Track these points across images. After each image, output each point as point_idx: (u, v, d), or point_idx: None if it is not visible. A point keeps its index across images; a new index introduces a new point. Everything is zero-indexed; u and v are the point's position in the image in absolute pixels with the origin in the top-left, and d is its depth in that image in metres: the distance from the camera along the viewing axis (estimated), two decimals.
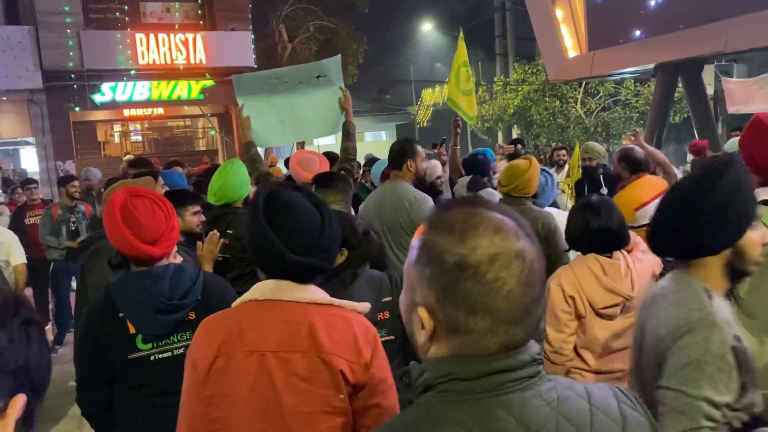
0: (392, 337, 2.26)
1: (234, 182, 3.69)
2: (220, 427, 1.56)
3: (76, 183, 6.76)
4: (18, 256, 4.96)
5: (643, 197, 4.06)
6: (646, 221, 4.13)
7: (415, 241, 0.97)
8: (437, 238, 0.92)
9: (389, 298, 2.34)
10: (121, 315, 2.07)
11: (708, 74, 16.23)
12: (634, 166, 4.27)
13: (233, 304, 1.69)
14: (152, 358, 2.08)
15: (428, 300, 0.93)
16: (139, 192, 2.17)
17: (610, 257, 2.64)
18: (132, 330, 2.07)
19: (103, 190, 6.86)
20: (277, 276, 1.63)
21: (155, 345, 2.08)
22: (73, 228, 6.55)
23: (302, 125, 4.32)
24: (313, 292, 1.63)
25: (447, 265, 0.90)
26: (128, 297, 2.09)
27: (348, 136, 4.16)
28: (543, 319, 2.58)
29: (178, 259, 2.29)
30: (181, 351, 2.08)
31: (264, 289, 1.62)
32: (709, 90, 16.41)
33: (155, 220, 2.11)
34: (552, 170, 7.12)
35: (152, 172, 4.44)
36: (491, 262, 0.88)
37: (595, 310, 2.60)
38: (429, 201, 3.66)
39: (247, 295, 1.64)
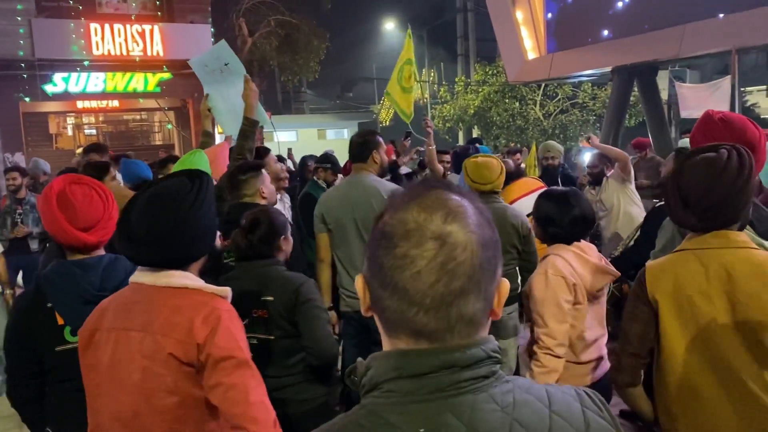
0: (271, 337, 2.27)
1: None
2: (97, 392, 1.73)
3: (14, 174, 6.51)
4: None
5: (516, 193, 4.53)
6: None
7: None
8: (387, 208, 0.91)
9: (271, 298, 2.40)
10: (49, 305, 2.02)
11: (662, 79, 16.65)
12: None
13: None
14: None
15: (364, 267, 0.91)
16: (79, 179, 2.11)
17: (586, 242, 2.74)
18: (60, 321, 2.02)
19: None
20: (129, 260, 1.78)
21: None
22: (18, 220, 6.33)
23: (228, 118, 4.19)
24: (172, 277, 1.71)
25: (375, 233, 0.89)
26: (56, 287, 2.03)
27: (241, 134, 3.66)
28: (535, 312, 2.56)
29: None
30: None
31: (137, 273, 1.77)
32: (664, 95, 16.84)
33: (92, 206, 2.05)
34: None
35: (105, 163, 4.32)
36: (405, 236, 0.84)
37: (592, 293, 2.65)
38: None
39: (131, 277, 1.79)
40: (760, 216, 2.30)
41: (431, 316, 0.83)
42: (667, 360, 1.89)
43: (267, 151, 4.63)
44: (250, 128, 3.63)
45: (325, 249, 3.65)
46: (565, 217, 2.65)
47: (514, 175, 4.71)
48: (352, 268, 3.53)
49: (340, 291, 3.66)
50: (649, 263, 1.99)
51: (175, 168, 3.66)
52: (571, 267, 2.60)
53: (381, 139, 3.75)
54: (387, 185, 3.62)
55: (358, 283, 0.92)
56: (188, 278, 1.73)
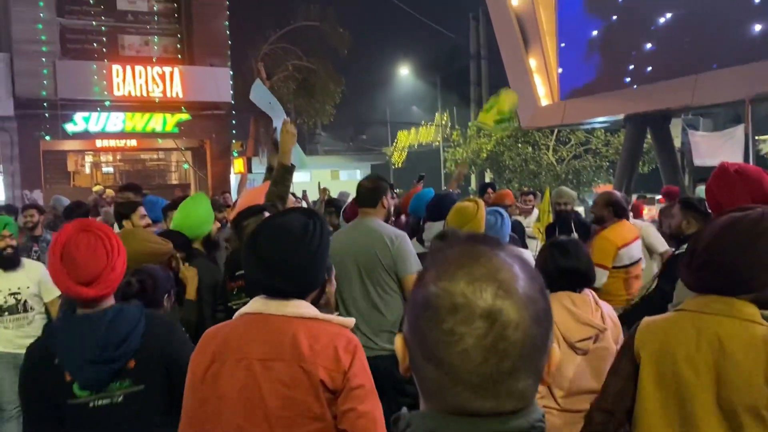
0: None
1: (194, 219, 3.61)
2: (212, 426, 1.71)
3: (31, 212, 6.58)
4: (53, 290, 4.41)
5: (627, 238, 4.25)
6: (625, 262, 4.28)
7: None
8: (429, 267, 0.85)
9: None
10: (57, 361, 1.99)
11: (675, 127, 16.71)
12: (618, 210, 4.48)
13: (234, 316, 1.81)
14: (91, 405, 1.99)
15: (405, 328, 0.87)
16: (88, 226, 2.06)
17: (579, 293, 2.71)
18: (68, 377, 1.98)
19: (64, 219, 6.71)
20: (264, 293, 1.78)
21: (93, 392, 2.00)
22: (35, 257, 6.38)
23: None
24: (300, 307, 1.75)
25: (418, 298, 0.83)
26: (63, 343, 1.99)
27: (273, 179, 3.53)
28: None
29: None
30: (120, 399, 2.00)
31: (256, 303, 1.78)
32: (677, 142, 16.87)
33: (94, 259, 1.98)
34: (518, 216, 7.19)
35: (136, 202, 4.38)
36: (452, 311, 0.78)
37: (570, 343, 2.62)
38: (407, 238, 3.60)
39: (243, 309, 1.80)
40: None
41: (477, 394, 0.79)
42: (636, 423, 1.79)
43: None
44: (282, 174, 3.50)
45: (329, 294, 3.62)
46: (556, 266, 2.66)
47: (621, 211, 4.56)
48: (354, 311, 3.49)
49: None
50: (646, 318, 1.89)
51: (179, 211, 3.65)
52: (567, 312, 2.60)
53: (387, 185, 3.78)
54: (390, 230, 3.62)
55: (398, 343, 0.88)
56: (312, 308, 1.79)
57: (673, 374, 1.71)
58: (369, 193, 3.66)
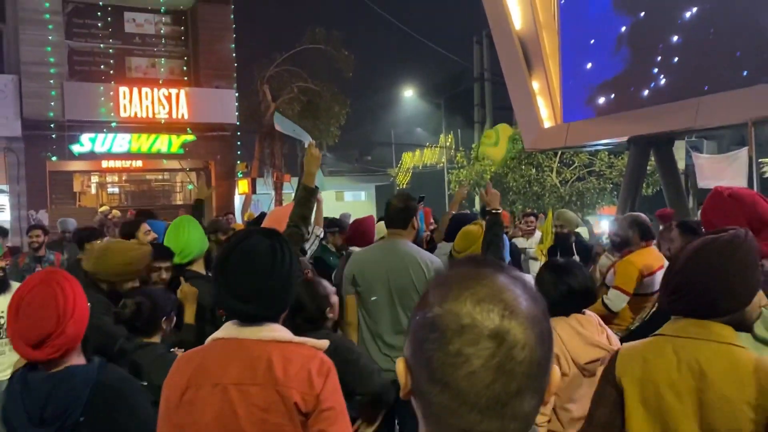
0: None
1: (196, 238, 3.63)
2: None
3: (37, 232, 6.64)
4: None
5: (653, 266, 4.10)
6: (647, 291, 4.11)
7: None
8: (432, 289, 0.85)
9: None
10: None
11: (679, 149, 16.73)
12: (644, 232, 4.33)
13: (207, 341, 1.81)
14: None
15: (408, 351, 0.85)
16: (49, 280, 1.93)
17: (584, 315, 2.70)
18: None
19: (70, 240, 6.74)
20: (236, 318, 1.78)
21: None
22: None
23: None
24: (274, 331, 1.77)
25: (424, 320, 0.82)
26: (7, 404, 1.93)
27: (297, 201, 3.52)
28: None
29: None
30: None
31: (230, 328, 1.78)
32: (681, 164, 16.87)
33: (42, 319, 1.86)
34: (521, 237, 7.19)
35: (137, 219, 4.41)
36: (458, 332, 0.78)
37: (579, 365, 2.59)
38: (440, 262, 3.50)
39: (216, 333, 1.80)
40: None
41: (483, 416, 0.78)
42: None
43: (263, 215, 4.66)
44: (305, 196, 3.45)
45: (352, 312, 3.48)
46: (560, 289, 2.64)
47: (648, 233, 4.40)
48: (377, 336, 3.41)
49: None
50: (624, 345, 1.89)
51: (173, 236, 3.64)
52: (560, 339, 2.57)
53: (417, 205, 3.66)
54: (425, 255, 3.51)
55: (400, 367, 0.86)
56: (287, 331, 1.80)
57: (656, 400, 1.70)
58: (400, 214, 3.51)
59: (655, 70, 13.30)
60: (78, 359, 1.96)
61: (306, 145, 3.90)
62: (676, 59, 12.92)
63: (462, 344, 0.78)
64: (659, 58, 13.01)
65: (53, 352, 1.87)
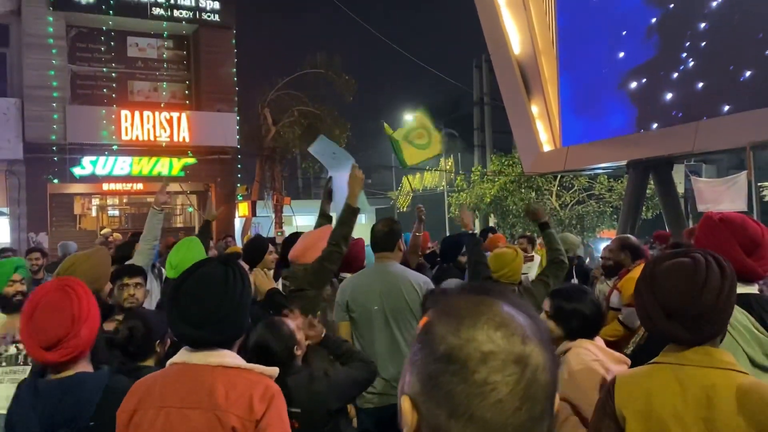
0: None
1: (191, 257, 3.68)
2: None
3: (36, 255, 6.64)
4: None
5: None
6: None
7: (420, 323, 0.87)
8: (437, 321, 0.81)
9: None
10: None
11: (678, 173, 16.79)
12: (635, 252, 4.40)
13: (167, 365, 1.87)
14: None
15: (414, 389, 0.80)
16: (64, 286, 2.00)
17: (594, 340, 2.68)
18: None
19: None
20: (190, 345, 1.82)
21: None
22: None
23: (341, 201, 4.11)
24: (224, 357, 1.79)
25: (436, 354, 0.78)
26: (17, 411, 1.96)
27: (339, 220, 3.63)
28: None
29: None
30: None
31: (183, 354, 1.82)
32: (680, 188, 16.92)
33: (57, 322, 1.92)
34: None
35: (131, 242, 4.44)
36: (483, 360, 0.75)
37: None
38: (431, 283, 3.56)
39: (172, 359, 1.85)
40: None
41: None
42: None
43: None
44: (348, 216, 3.55)
45: (346, 338, 3.46)
46: (590, 310, 2.62)
47: (640, 253, 4.46)
48: (375, 358, 3.34)
49: None
50: (620, 374, 1.82)
51: (173, 252, 3.75)
52: (597, 357, 2.51)
53: (401, 228, 3.73)
54: (417, 276, 3.56)
55: (405, 405, 0.81)
56: (237, 357, 1.83)
57: None
58: (386, 237, 3.61)
59: (657, 93, 13.41)
60: (86, 367, 2.03)
61: (340, 173, 4.02)
62: (677, 82, 13.03)
63: (488, 372, 0.75)
64: (664, 81, 13.11)
65: (66, 354, 1.93)
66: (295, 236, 4.66)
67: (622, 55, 13.90)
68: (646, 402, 1.66)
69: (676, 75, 12.82)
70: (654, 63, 13.10)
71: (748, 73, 11.73)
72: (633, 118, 13.82)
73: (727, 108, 11.97)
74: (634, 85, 13.65)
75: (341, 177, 4.23)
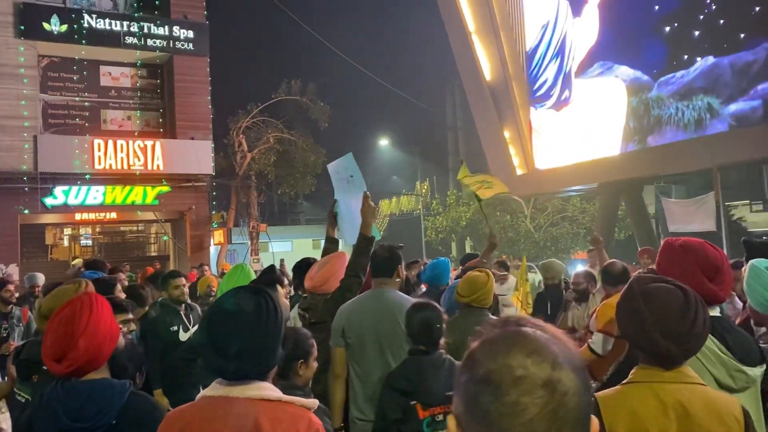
0: None
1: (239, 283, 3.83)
2: None
3: (9, 287, 6.52)
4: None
5: None
6: None
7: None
8: (478, 348, 0.90)
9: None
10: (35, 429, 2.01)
11: (649, 194, 17.12)
12: (616, 279, 4.40)
13: (197, 398, 1.80)
14: None
15: (458, 409, 0.89)
16: (81, 299, 2.10)
17: None
18: None
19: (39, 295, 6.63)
20: (224, 377, 1.77)
21: None
22: (4, 335, 6.26)
23: (348, 227, 4.17)
24: (263, 389, 1.76)
25: (475, 377, 0.87)
26: (39, 411, 2.00)
27: (355, 250, 3.66)
28: None
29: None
30: None
31: (219, 386, 1.78)
32: (651, 209, 17.25)
33: (61, 335, 2.01)
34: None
35: (112, 277, 4.37)
36: (515, 384, 0.83)
37: None
38: None
39: (204, 392, 1.79)
40: (738, 340, 2.31)
41: None
42: None
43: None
44: (364, 245, 3.57)
45: (341, 364, 3.46)
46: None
47: (622, 279, 4.38)
48: (369, 385, 3.36)
49: (352, 415, 3.44)
50: (599, 394, 1.85)
51: (224, 280, 3.86)
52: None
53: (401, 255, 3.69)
54: (412, 301, 3.46)
55: (451, 425, 0.91)
56: (275, 390, 1.80)
57: None
58: (385, 263, 3.54)
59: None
60: (104, 374, 2.09)
61: (350, 198, 4.04)
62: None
63: (519, 394, 0.82)
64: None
65: (71, 366, 1.99)
66: (305, 262, 4.65)
67: None
68: (632, 421, 1.73)
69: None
70: None
71: None
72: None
73: None
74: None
75: (347, 202, 4.22)
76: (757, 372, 2.26)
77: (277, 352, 1.84)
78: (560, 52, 15.27)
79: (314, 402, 1.85)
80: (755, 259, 2.67)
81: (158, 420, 2.03)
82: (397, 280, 3.58)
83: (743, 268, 2.69)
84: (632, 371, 1.83)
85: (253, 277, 4.02)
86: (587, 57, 14.51)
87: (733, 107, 11.74)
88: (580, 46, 14.68)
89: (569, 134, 14.63)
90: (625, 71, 13.66)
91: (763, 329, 2.67)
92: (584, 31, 14.50)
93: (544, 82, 15.73)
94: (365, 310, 3.46)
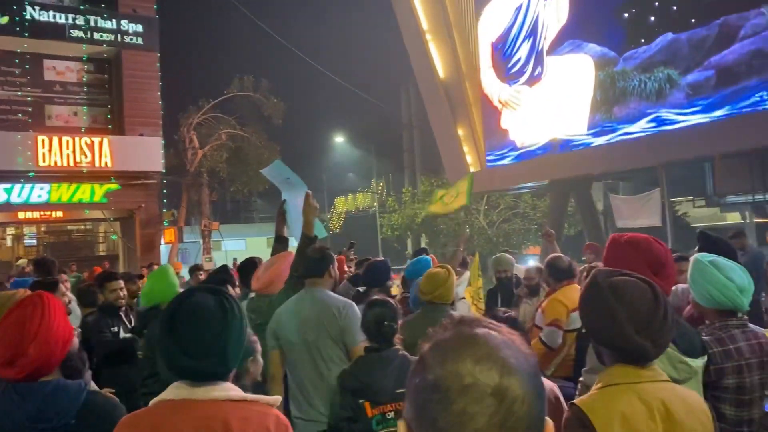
0: None
1: (160, 285, 3.79)
2: None
3: None
4: None
5: (577, 301, 4.23)
6: (576, 326, 4.19)
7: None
8: (430, 351, 0.88)
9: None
10: None
11: (597, 191, 17.55)
12: (562, 274, 4.48)
13: (150, 403, 1.72)
14: None
15: (408, 414, 0.87)
16: (30, 301, 2.00)
17: None
18: None
19: None
20: (186, 378, 1.71)
21: None
22: None
23: (295, 225, 4.15)
24: (229, 390, 1.72)
25: (425, 383, 0.85)
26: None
27: (298, 251, 3.68)
28: None
29: None
30: None
31: (180, 389, 1.70)
32: (600, 205, 17.69)
33: (10, 339, 1.93)
34: None
35: (54, 280, 4.22)
36: (462, 392, 0.81)
37: None
38: (355, 307, 3.50)
39: (163, 395, 1.71)
40: (681, 332, 2.39)
41: None
42: None
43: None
44: (307, 245, 3.57)
45: (276, 366, 3.48)
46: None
47: (567, 274, 4.51)
48: (303, 391, 3.38)
49: (293, 416, 3.43)
50: (582, 401, 1.79)
51: (148, 281, 3.83)
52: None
53: (333, 255, 3.72)
54: (337, 300, 3.54)
55: (401, 428, 0.89)
56: (238, 389, 1.76)
57: None
58: (315, 264, 3.58)
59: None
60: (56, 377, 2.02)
61: (295, 197, 4.02)
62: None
63: (466, 403, 0.80)
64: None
65: (21, 372, 1.92)
66: (250, 262, 4.60)
67: None
68: (623, 425, 1.69)
69: None
70: None
71: None
72: None
73: None
74: None
75: (294, 200, 4.22)
76: (699, 363, 2.34)
77: (241, 352, 1.81)
78: (533, 33, 15.77)
79: (277, 399, 1.82)
80: (699, 254, 2.72)
81: (119, 418, 1.97)
82: (330, 279, 3.60)
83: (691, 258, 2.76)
84: (607, 371, 1.79)
85: (175, 279, 4.02)
86: (558, 36, 15.10)
87: (690, 77, 12.39)
88: (551, 27, 15.19)
89: (542, 109, 14.92)
90: (593, 48, 14.43)
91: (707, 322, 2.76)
92: (555, 13, 15.08)
93: (518, 60, 16.13)
94: (292, 312, 3.49)
